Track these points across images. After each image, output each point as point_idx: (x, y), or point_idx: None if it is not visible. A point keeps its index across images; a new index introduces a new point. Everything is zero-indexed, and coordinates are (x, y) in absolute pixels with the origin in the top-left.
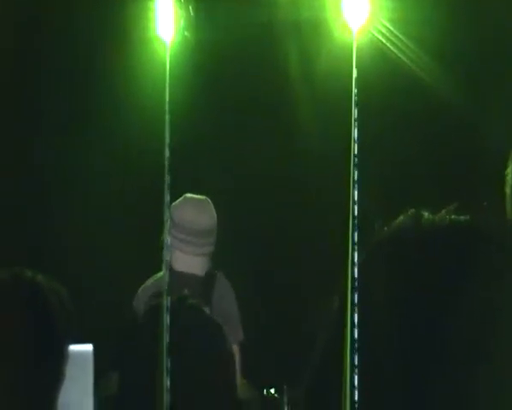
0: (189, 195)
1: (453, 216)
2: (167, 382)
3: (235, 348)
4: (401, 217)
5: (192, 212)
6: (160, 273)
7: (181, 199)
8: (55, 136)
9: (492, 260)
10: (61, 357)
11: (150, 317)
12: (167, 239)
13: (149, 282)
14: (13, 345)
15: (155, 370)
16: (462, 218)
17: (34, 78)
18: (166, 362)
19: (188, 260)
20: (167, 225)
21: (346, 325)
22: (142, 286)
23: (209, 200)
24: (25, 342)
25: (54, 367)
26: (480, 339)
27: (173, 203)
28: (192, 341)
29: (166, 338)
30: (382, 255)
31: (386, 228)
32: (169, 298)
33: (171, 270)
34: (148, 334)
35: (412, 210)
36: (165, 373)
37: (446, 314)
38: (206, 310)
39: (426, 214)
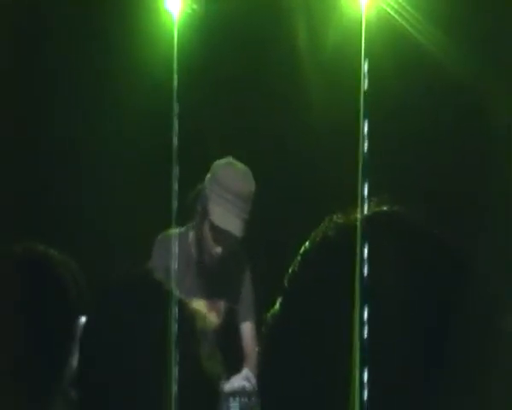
0: (231, 159)
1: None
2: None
3: (251, 326)
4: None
5: (240, 176)
6: (182, 228)
7: (226, 161)
8: (63, 105)
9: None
10: (71, 332)
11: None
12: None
13: (172, 232)
14: (25, 320)
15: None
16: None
17: (41, 45)
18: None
19: (230, 218)
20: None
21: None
22: (167, 234)
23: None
24: (37, 317)
25: (64, 342)
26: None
27: (216, 162)
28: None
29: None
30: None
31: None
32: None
33: (211, 224)
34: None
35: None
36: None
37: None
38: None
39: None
